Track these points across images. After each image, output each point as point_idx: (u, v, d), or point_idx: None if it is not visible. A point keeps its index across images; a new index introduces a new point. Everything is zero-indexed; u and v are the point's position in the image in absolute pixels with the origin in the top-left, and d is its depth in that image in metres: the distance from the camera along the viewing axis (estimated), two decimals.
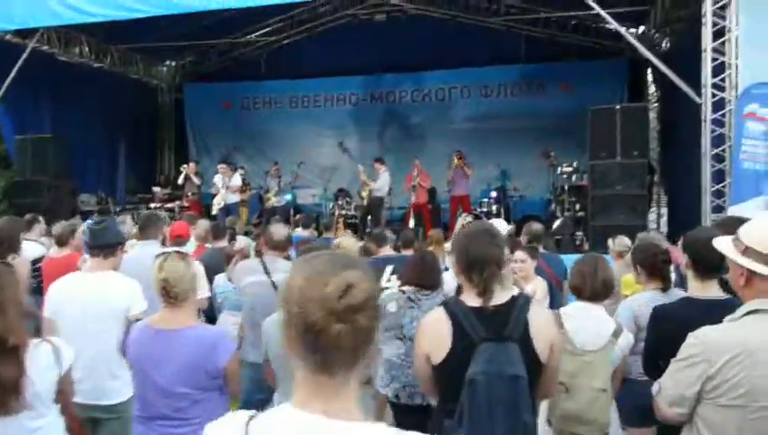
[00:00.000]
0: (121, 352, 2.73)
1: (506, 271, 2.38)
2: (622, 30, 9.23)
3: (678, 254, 3.30)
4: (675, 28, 11.24)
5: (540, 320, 2.32)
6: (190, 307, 2.67)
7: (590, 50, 13.72)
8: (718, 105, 7.77)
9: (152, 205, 12.84)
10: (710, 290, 2.71)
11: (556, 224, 10.37)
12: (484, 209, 11.99)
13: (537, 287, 4.50)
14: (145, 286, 3.17)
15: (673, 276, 3.64)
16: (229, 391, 2.66)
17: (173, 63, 16.47)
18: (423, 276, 3.90)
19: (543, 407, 2.97)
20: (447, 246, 5.55)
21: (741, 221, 2.23)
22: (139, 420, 2.69)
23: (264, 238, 4.30)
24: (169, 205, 12.80)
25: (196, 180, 12.81)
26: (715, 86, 7.76)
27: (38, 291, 4.71)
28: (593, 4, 8.28)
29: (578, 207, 10.48)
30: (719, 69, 7.75)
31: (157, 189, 13.85)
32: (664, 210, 12.70)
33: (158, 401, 2.57)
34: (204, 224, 6.81)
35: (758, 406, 1.91)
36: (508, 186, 12.72)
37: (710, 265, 2.64)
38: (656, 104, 13.52)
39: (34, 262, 5.28)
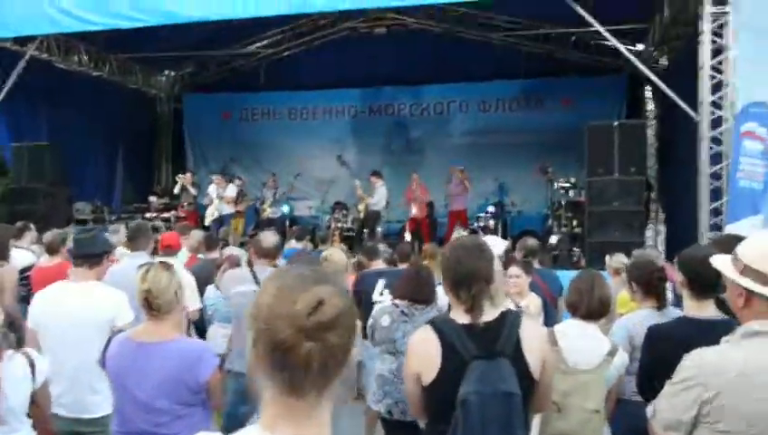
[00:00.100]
0: (101, 365, 2.65)
1: (495, 286, 2.32)
2: (621, 47, 9.26)
3: (674, 272, 3.24)
4: (673, 46, 11.27)
5: (532, 335, 2.26)
6: (174, 320, 2.59)
7: (590, 66, 13.72)
8: (716, 123, 7.78)
9: (148, 214, 12.80)
10: (706, 310, 2.66)
11: (553, 239, 10.33)
12: (482, 224, 11.94)
13: (531, 303, 4.44)
14: (131, 297, 3.10)
15: (669, 295, 3.59)
16: (212, 406, 2.58)
17: (172, 73, 16.46)
18: (417, 291, 3.86)
19: (535, 424, 2.91)
20: None
21: (738, 239, 2.18)
22: None
23: (254, 246, 4.26)
24: (165, 215, 12.76)
25: (192, 190, 12.76)
26: (712, 104, 7.77)
27: (27, 299, 4.62)
28: (593, 22, 8.30)
29: (575, 223, 10.43)
30: (717, 87, 7.76)
31: (153, 199, 13.80)
32: (661, 227, 12.66)
33: (137, 416, 2.49)
34: (197, 235, 6.76)
35: (757, 431, 1.84)
36: (506, 201, 12.68)
37: (706, 283, 2.59)
38: (654, 121, 13.54)
39: (24, 270, 5.23)
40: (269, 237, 4.27)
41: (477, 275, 2.23)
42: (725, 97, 7.70)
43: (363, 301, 5.03)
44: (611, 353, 2.99)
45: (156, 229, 10.52)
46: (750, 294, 1.95)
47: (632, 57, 9.47)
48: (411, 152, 14.84)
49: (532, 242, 5.85)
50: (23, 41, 10.90)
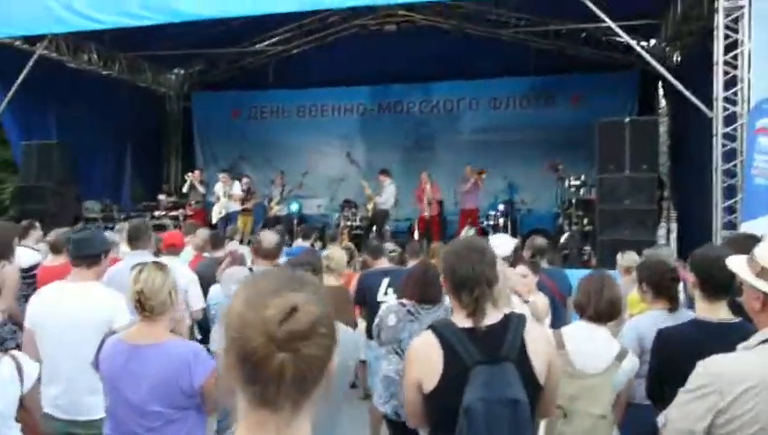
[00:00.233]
0: (94, 367, 2.58)
1: (498, 289, 2.23)
2: (633, 43, 9.15)
3: (686, 272, 3.14)
4: (686, 42, 11.12)
5: (537, 338, 2.19)
6: (167, 321, 2.52)
7: (601, 63, 13.56)
8: (730, 119, 7.64)
9: (157, 213, 12.81)
10: (719, 312, 2.57)
11: (563, 238, 10.21)
12: (491, 222, 11.85)
13: (539, 302, 4.34)
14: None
15: (682, 296, 3.48)
16: (206, 410, 2.51)
17: (181, 72, 16.47)
18: (425, 290, 3.79)
19: (540, 429, 2.83)
20: None
21: (752, 239, 2.10)
22: None
23: (254, 246, 4.20)
24: (174, 213, 12.77)
25: (200, 189, 12.76)
26: (726, 100, 7.62)
27: None
28: (604, 17, 8.17)
29: (586, 221, 10.30)
30: (731, 83, 7.62)
31: (162, 197, 13.81)
32: (674, 226, 12.48)
33: (130, 419, 2.43)
34: (203, 233, 6.71)
35: None
36: (516, 199, 12.57)
37: (719, 285, 2.50)
38: (666, 118, 13.36)
39: (29, 269, 5.19)
40: (269, 237, 4.20)
41: (479, 279, 2.16)
42: (740, 93, 7.56)
43: (368, 300, 4.97)
44: (620, 357, 2.88)
45: (164, 227, 10.54)
46: (767, 297, 1.86)
47: (644, 53, 9.32)
48: (421, 150, 14.75)
49: (540, 241, 5.77)
50: (32, 40, 10.96)
